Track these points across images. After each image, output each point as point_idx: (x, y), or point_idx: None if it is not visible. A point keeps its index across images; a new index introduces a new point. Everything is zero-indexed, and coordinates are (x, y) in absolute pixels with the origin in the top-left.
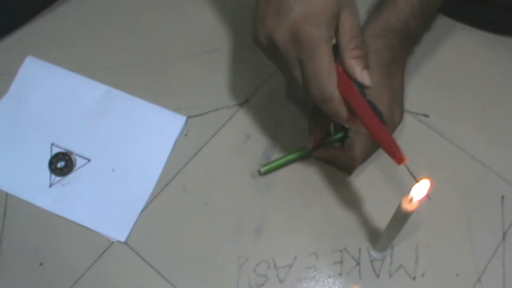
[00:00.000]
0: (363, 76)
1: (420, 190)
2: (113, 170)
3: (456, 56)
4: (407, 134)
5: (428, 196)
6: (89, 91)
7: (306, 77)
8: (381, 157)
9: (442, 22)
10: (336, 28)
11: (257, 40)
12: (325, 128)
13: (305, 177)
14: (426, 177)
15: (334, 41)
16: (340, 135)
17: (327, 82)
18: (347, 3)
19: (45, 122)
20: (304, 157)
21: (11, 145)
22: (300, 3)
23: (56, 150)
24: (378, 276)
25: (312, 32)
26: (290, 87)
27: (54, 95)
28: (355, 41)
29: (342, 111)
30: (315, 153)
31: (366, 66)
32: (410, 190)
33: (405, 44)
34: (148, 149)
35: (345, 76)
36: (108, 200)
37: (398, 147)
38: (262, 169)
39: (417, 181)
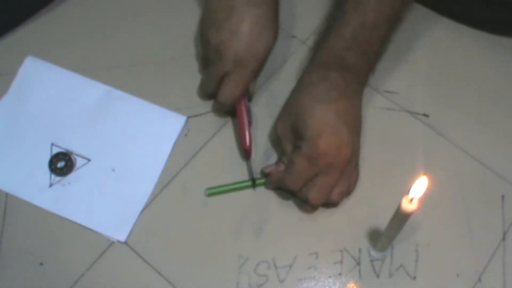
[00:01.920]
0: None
1: (418, 188)
2: (113, 170)
3: (456, 56)
4: (407, 134)
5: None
6: (89, 91)
7: (226, 80)
8: (381, 158)
9: (442, 23)
10: None
11: (205, 39)
12: (216, 81)
13: None
14: (424, 175)
15: None
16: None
17: (231, 97)
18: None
19: (45, 122)
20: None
21: (11, 145)
22: (250, 40)
23: (56, 150)
24: (378, 276)
25: (249, 63)
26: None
27: (54, 95)
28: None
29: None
30: (268, 186)
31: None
32: (410, 190)
33: (346, 74)
34: (148, 149)
35: None
36: (108, 200)
37: (248, 141)
38: (207, 192)
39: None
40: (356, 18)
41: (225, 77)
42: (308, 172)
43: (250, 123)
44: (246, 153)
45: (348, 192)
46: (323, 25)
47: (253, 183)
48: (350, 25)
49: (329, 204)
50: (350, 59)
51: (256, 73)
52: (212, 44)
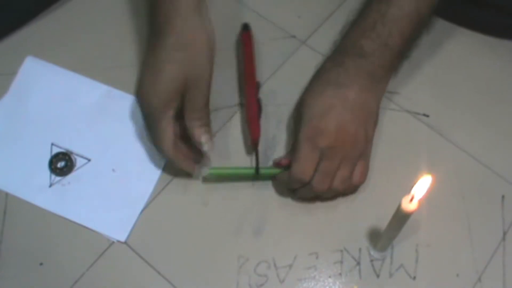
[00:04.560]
0: (201, 138)
1: (422, 186)
2: (113, 170)
3: (456, 56)
4: (407, 134)
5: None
6: (89, 91)
7: (151, 138)
8: (381, 158)
9: (441, 24)
10: (184, 102)
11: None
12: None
13: None
14: (427, 174)
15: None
16: (275, 170)
17: (164, 146)
18: (195, 85)
19: (45, 122)
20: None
21: (11, 145)
22: (149, 81)
23: (56, 150)
24: (378, 276)
25: (153, 106)
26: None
27: (54, 95)
28: (197, 113)
29: (176, 162)
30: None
31: (207, 130)
32: (410, 190)
33: (361, 62)
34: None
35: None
36: (108, 200)
37: (256, 131)
38: (207, 172)
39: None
40: (378, 10)
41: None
42: (311, 155)
43: (259, 116)
44: (254, 143)
45: (354, 183)
46: (350, 19)
47: (256, 171)
48: (371, 16)
49: (335, 195)
50: (367, 47)
51: (171, 116)
52: (138, 102)
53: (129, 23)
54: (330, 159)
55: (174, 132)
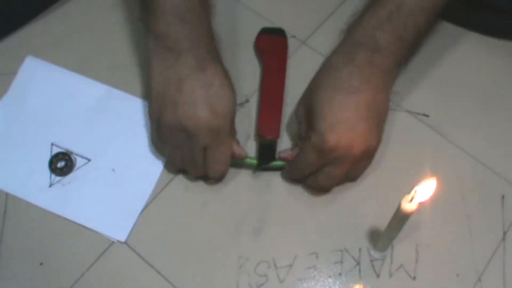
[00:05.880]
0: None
1: (425, 189)
2: (113, 170)
3: (457, 57)
4: (407, 134)
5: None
6: (89, 91)
7: (212, 156)
8: (381, 158)
9: (442, 25)
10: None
11: (160, 124)
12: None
13: None
14: (432, 176)
15: None
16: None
17: (223, 168)
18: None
19: (45, 122)
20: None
21: (11, 145)
22: (209, 102)
23: (56, 150)
24: (378, 276)
25: (222, 127)
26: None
27: (54, 95)
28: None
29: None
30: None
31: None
32: (410, 190)
33: (374, 57)
34: (148, 148)
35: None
36: (108, 200)
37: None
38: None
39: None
40: (393, 1)
41: (208, 153)
42: (315, 163)
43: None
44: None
45: (353, 178)
46: (360, 8)
47: (258, 163)
48: (386, 7)
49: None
50: (381, 40)
51: (234, 131)
52: (174, 126)
53: (128, 23)
54: (338, 166)
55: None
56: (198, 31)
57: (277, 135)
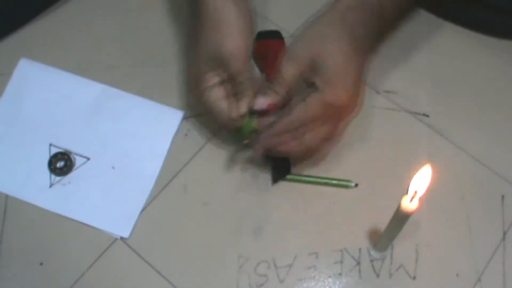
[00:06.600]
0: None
1: (421, 180)
2: (113, 167)
3: (456, 57)
4: (407, 134)
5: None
6: (84, 90)
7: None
8: (381, 158)
9: (441, 24)
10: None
11: (205, 50)
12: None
13: None
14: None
15: None
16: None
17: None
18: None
19: (42, 123)
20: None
21: (9, 148)
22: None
23: (54, 150)
24: (378, 276)
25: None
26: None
27: (50, 96)
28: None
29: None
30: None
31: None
32: (410, 190)
33: (376, 24)
34: (146, 144)
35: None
36: (109, 197)
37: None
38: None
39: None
40: None
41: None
42: (315, 117)
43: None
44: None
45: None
46: None
47: (274, 177)
48: None
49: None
50: (387, 5)
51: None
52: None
53: (126, 24)
54: (329, 124)
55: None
56: None
57: None
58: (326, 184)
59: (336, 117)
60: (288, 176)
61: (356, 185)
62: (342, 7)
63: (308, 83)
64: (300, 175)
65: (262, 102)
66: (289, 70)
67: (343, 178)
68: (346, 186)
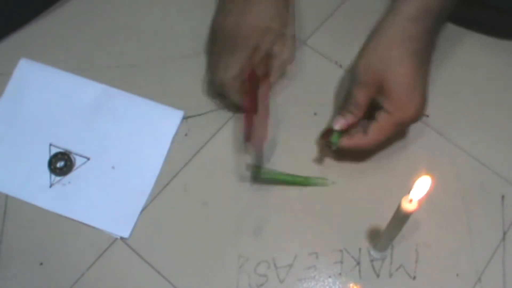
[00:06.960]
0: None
1: (420, 187)
2: (113, 167)
3: (457, 57)
4: (408, 134)
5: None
6: (84, 90)
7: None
8: (381, 158)
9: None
10: None
11: (223, 25)
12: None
13: None
14: (426, 174)
15: None
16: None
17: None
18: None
19: (42, 123)
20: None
21: (9, 147)
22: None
23: (54, 150)
24: (378, 276)
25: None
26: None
27: (50, 96)
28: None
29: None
30: (342, 143)
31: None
32: (410, 190)
33: (438, 27)
34: (146, 144)
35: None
36: (110, 197)
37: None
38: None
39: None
40: None
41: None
42: (390, 135)
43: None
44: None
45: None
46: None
47: (256, 171)
48: None
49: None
50: (448, 4)
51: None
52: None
53: (127, 24)
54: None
55: None
56: None
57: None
58: (302, 183)
59: (407, 125)
60: (265, 173)
61: (333, 182)
62: (402, 20)
63: (377, 104)
64: (276, 172)
65: (342, 123)
66: (361, 97)
67: (343, 177)
68: (323, 184)
